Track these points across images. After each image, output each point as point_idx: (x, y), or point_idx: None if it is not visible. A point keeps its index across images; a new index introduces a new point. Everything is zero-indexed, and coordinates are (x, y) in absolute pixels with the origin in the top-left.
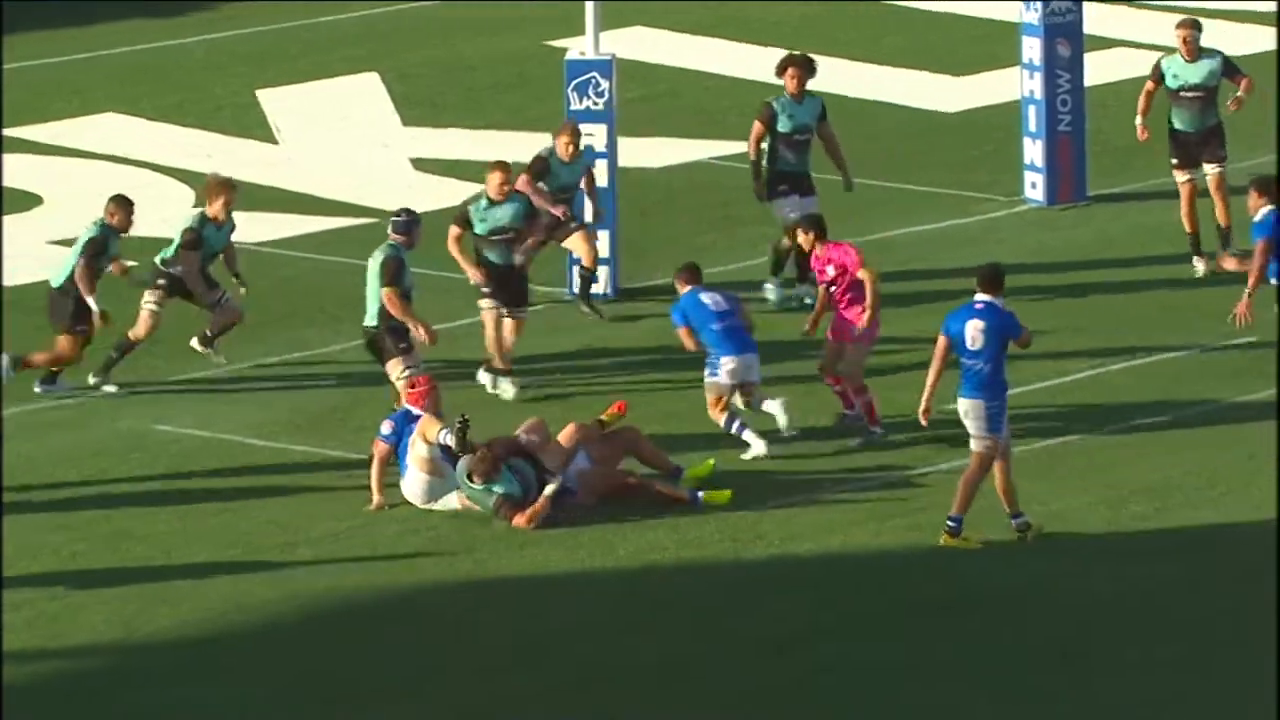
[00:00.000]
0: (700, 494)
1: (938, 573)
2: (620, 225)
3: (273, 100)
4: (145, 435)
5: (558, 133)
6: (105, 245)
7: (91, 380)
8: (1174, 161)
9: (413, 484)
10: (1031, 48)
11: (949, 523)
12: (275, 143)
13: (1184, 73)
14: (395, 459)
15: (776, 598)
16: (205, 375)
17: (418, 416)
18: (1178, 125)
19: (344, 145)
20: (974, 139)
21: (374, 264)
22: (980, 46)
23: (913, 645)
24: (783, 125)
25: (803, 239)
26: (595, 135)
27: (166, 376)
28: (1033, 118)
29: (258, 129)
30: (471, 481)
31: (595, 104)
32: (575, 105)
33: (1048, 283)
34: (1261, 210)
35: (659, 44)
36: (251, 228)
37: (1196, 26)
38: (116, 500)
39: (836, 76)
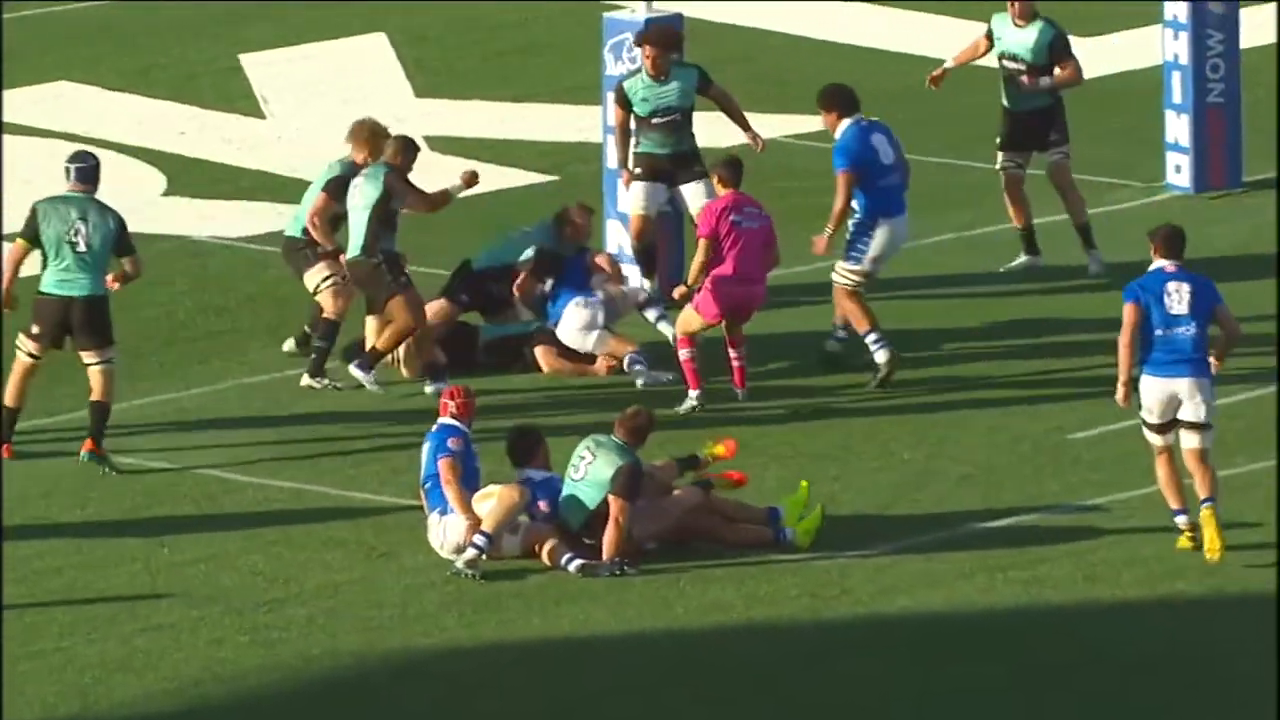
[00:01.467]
0: (789, 531)
1: (1060, 634)
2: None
3: (259, 66)
4: (104, 470)
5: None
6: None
7: (318, 384)
8: (998, 141)
9: (452, 531)
10: (1176, 3)
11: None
12: (262, 117)
13: (1009, 38)
14: (426, 491)
15: (864, 663)
16: (175, 397)
17: (459, 431)
18: (1004, 100)
19: (344, 121)
20: (1105, 113)
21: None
22: (1113, 2)
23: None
24: (639, 108)
25: (715, 182)
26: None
27: (129, 399)
28: (1177, 87)
29: (241, 101)
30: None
31: (629, 68)
32: (611, 70)
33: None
34: None
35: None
36: (234, 219)
37: None
38: (70, 550)
39: (942, 38)
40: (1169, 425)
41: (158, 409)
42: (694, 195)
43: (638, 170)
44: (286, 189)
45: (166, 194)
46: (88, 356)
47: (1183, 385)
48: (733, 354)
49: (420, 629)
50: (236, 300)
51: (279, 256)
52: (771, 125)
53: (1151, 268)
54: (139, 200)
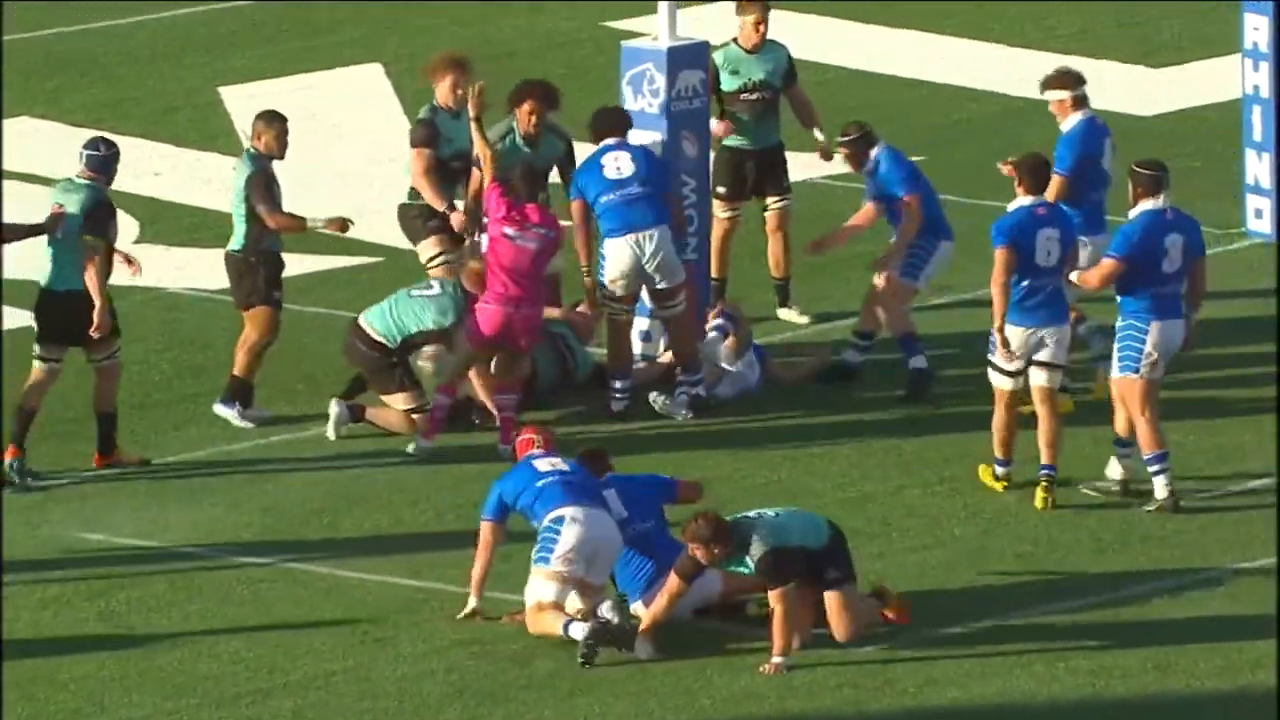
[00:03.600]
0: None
1: None
2: None
3: (241, 100)
4: (71, 547)
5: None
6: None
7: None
8: (720, 190)
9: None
10: (1257, 28)
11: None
12: None
13: (745, 68)
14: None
15: None
16: (149, 467)
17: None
18: (737, 140)
19: (336, 159)
20: (1178, 152)
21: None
22: (1186, 27)
23: None
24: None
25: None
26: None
27: (98, 468)
28: (1258, 123)
29: (222, 138)
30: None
31: (650, 104)
32: (630, 104)
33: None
34: None
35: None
36: (212, 269)
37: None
38: (33, 641)
39: (992, 68)
40: (1022, 371)
41: (129, 479)
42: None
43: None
44: (306, 242)
45: (139, 241)
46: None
47: (1049, 330)
48: (500, 400)
49: None
50: (215, 359)
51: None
52: (801, 165)
53: (1017, 204)
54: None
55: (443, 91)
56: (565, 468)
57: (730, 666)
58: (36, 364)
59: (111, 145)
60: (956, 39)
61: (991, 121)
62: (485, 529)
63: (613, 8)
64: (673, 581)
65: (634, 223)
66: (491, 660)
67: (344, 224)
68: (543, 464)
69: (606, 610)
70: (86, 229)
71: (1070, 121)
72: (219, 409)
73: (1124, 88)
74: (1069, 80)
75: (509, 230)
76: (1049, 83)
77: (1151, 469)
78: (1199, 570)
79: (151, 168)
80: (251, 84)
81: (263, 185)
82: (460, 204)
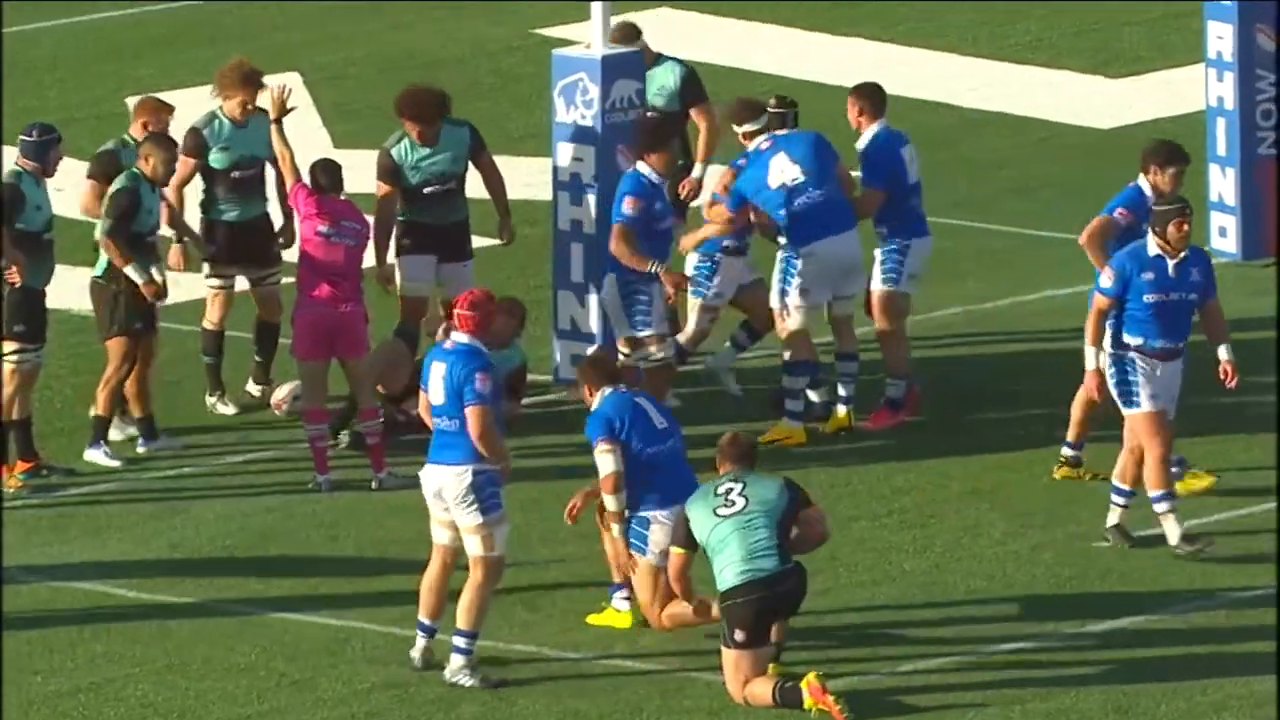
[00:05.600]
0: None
1: None
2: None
3: None
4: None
5: None
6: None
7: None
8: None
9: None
10: (1221, 37)
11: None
12: None
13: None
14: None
15: None
16: (51, 499)
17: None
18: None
19: None
20: (1136, 167)
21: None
22: (1147, 36)
23: None
24: (410, 176)
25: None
26: (583, 159)
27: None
28: (1222, 136)
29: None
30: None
31: (583, 116)
32: (562, 116)
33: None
34: None
35: (695, 31)
36: None
37: None
38: None
39: (943, 78)
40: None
41: (31, 512)
42: (452, 277)
43: (406, 242)
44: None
45: None
46: None
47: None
48: (362, 429)
49: None
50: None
51: (172, 333)
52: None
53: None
54: None
55: (231, 105)
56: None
57: (662, 689)
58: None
59: (47, 130)
60: (905, 47)
61: (943, 133)
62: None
63: (544, 14)
64: (675, 559)
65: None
66: (414, 705)
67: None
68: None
69: None
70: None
71: (868, 134)
72: (88, 455)
73: (1081, 99)
74: (861, 92)
75: (322, 228)
76: (855, 92)
77: (1160, 508)
78: (1161, 607)
79: (53, 183)
80: (161, 94)
81: (124, 204)
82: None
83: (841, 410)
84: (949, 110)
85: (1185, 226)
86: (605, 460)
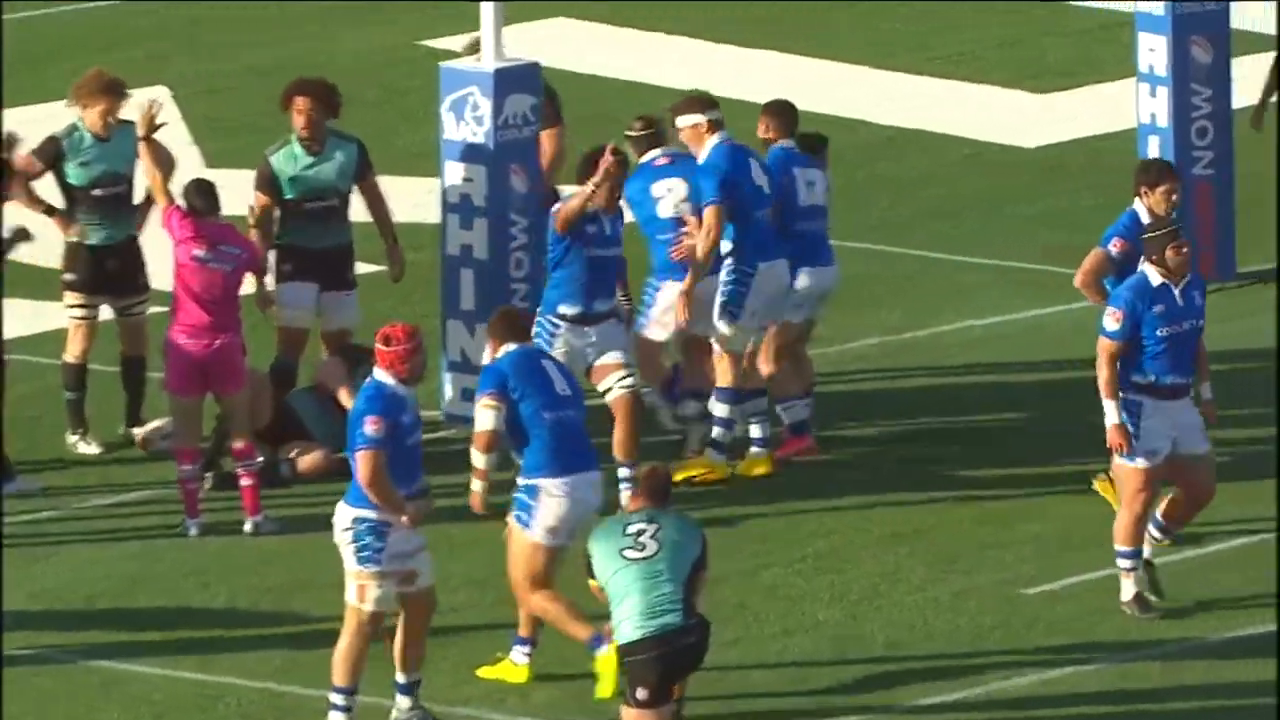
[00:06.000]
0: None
1: None
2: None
3: (10, 125)
4: None
5: None
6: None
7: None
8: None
9: None
10: (1153, 49)
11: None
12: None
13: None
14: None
15: None
16: None
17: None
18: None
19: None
20: (1066, 188)
21: None
22: (1076, 49)
23: None
24: (290, 188)
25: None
26: (473, 179)
27: None
28: (1155, 154)
29: None
30: None
31: (474, 133)
32: (451, 133)
33: None
34: None
35: (593, 43)
36: None
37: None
38: None
39: (852, 93)
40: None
41: None
42: (335, 307)
43: (287, 267)
44: (40, 285)
45: None
46: None
47: None
48: (237, 468)
49: None
50: None
51: (29, 367)
52: None
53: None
54: None
55: (92, 117)
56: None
57: None
58: None
59: None
60: (820, 60)
61: (860, 152)
62: None
63: (429, 23)
64: (596, 591)
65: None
66: None
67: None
68: None
69: None
70: None
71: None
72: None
73: (1006, 115)
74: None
75: (198, 252)
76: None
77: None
78: (1091, 658)
79: None
80: (20, 109)
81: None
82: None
83: (757, 451)
84: (865, 127)
85: (1185, 249)
86: (484, 416)
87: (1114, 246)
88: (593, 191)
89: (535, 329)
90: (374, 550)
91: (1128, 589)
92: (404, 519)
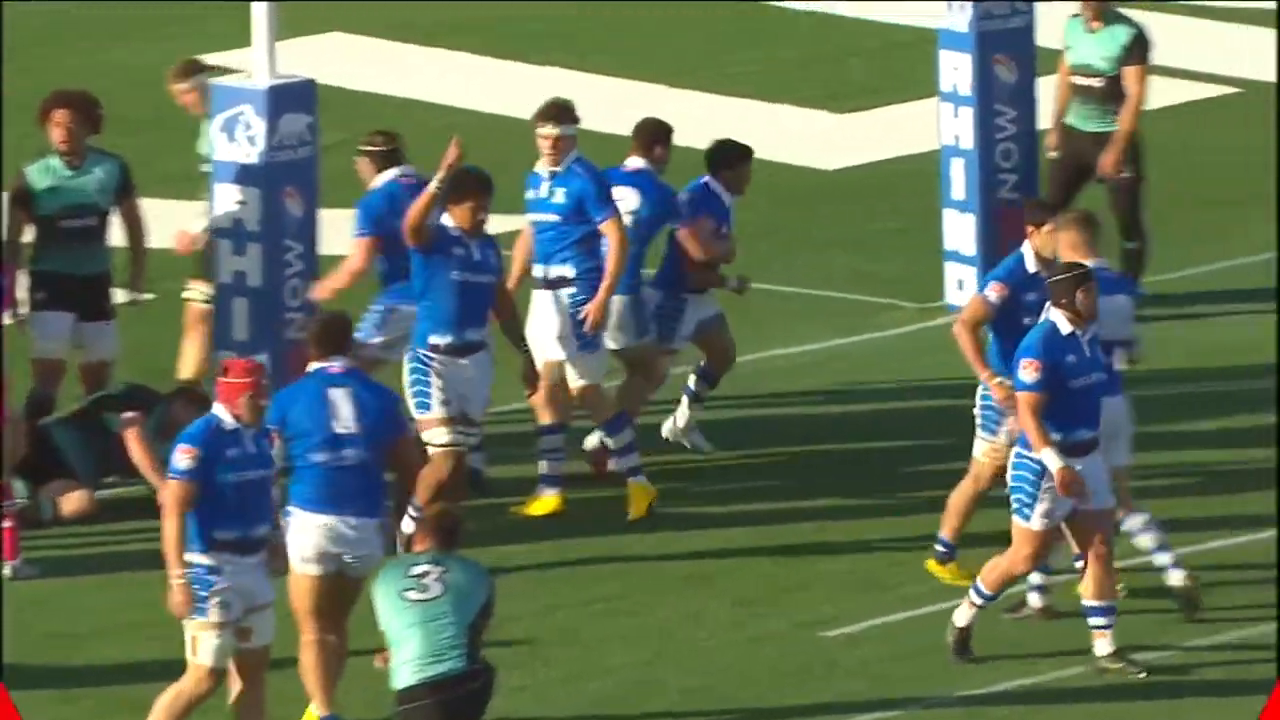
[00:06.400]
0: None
1: None
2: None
3: None
4: None
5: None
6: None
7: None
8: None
9: None
10: (957, 68)
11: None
12: None
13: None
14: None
15: None
16: None
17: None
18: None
19: None
20: (866, 212)
21: None
22: (878, 66)
23: None
24: (46, 202)
25: None
26: (246, 202)
27: None
28: (959, 178)
29: None
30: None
31: (247, 154)
32: (223, 154)
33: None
34: None
35: (372, 60)
36: None
37: None
38: None
39: (646, 112)
40: None
41: None
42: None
43: (40, 296)
44: None
45: None
46: None
47: None
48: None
49: None
50: None
51: None
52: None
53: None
54: None
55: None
56: None
57: None
58: None
59: None
60: (607, 77)
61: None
62: None
63: (202, 40)
64: None
65: None
66: None
67: None
68: None
69: None
70: None
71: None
72: None
73: (804, 136)
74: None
75: None
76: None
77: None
78: (893, 706)
79: None
80: None
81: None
82: None
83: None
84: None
85: (1094, 292)
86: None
87: (992, 291)
88: (436, 189)
89: (409, 364)
90: (198, 599)
91: (963, 615)
92: (179, 569)
